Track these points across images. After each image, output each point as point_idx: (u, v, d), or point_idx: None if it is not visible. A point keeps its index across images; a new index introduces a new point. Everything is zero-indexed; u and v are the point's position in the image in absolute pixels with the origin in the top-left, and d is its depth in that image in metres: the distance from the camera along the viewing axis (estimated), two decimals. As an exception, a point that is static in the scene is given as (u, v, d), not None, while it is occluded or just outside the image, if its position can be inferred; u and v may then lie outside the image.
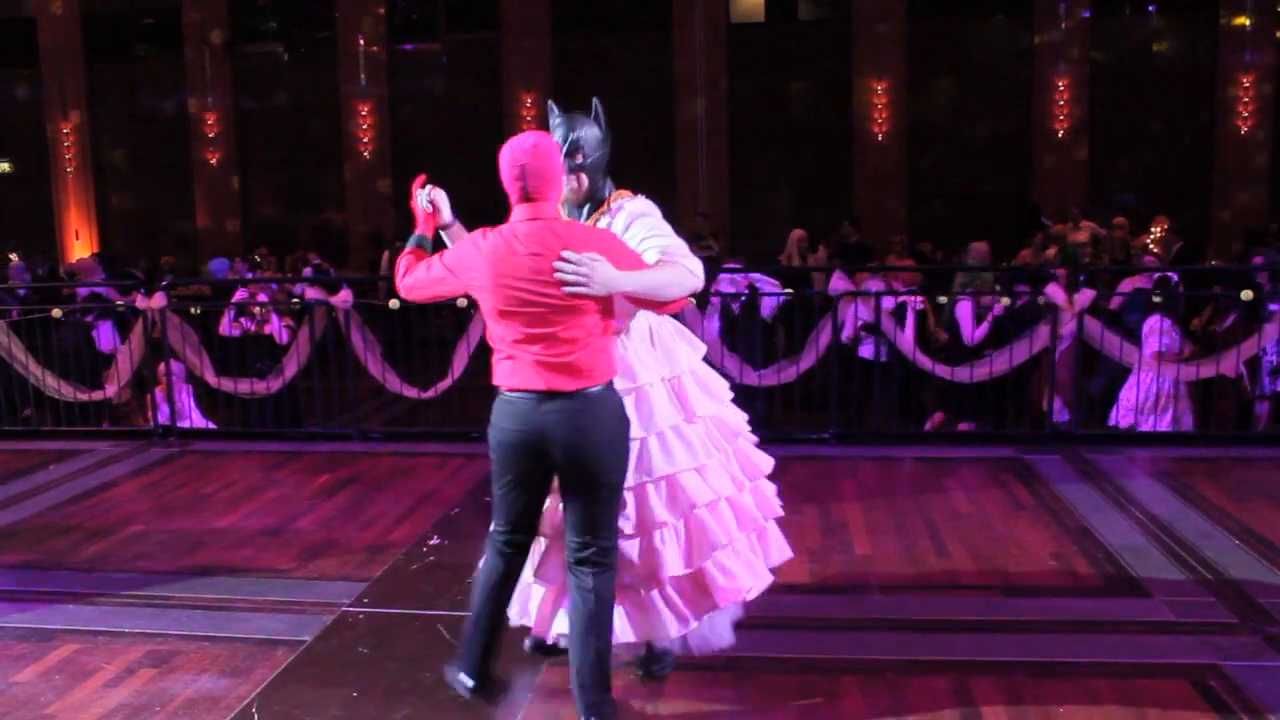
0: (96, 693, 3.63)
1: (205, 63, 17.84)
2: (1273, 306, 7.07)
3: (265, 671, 3.74)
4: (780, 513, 3.74)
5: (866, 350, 7.70)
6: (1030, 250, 12.14)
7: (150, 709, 3.51)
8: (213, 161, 18.23)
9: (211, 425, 8.22)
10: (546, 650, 3.70)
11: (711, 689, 3.55)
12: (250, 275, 12.02)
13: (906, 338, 7.49)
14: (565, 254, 2.97)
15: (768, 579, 3.58)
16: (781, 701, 3.46)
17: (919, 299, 7.93)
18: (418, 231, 3.41)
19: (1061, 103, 15.73)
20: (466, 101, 17.16)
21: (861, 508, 5.55)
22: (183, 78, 18.05)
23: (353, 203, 17.76)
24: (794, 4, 16.88)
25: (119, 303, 8.21)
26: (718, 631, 3.56)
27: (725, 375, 7.29)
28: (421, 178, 3.48)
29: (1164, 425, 7.16)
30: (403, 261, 3.36)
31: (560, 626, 3.55)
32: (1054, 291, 6.87)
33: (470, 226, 3.37)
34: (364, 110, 17.53)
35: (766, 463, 3.73)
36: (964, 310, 7.54)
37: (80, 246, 18.24)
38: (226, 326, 8.62)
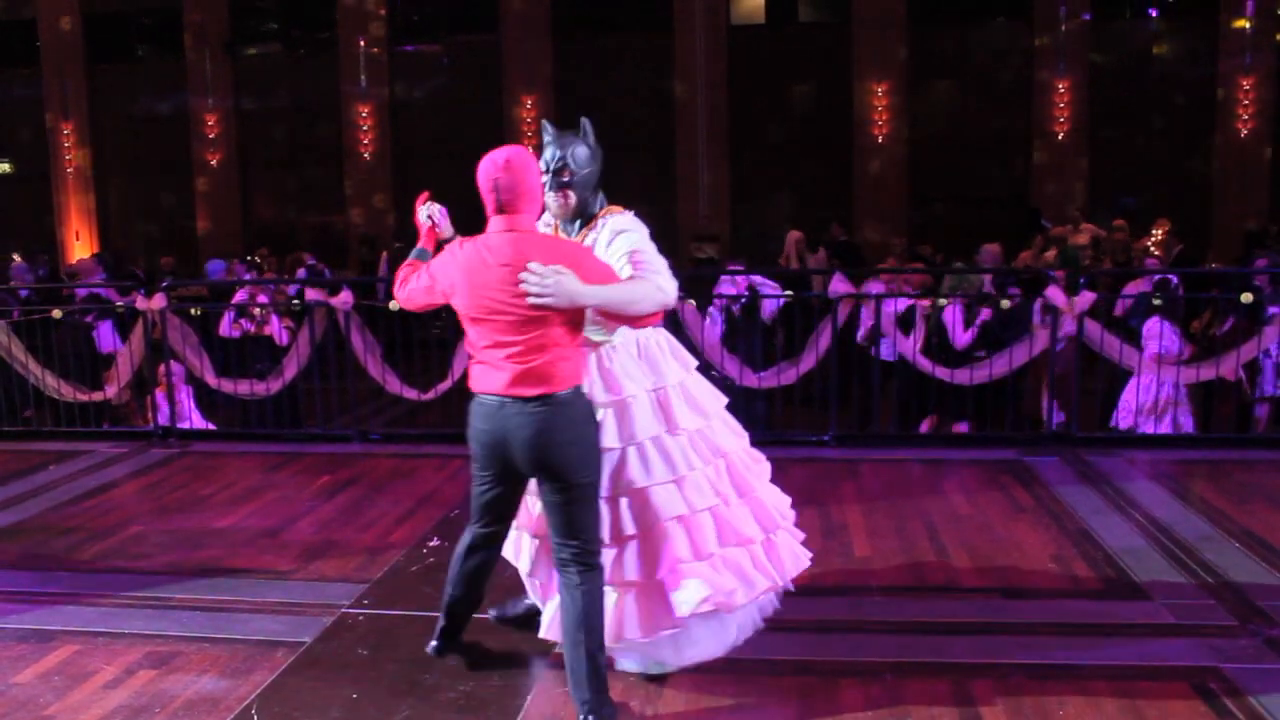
0: (96, 694, 3.64)
1: (206, 63, 17.84)
2: (1273, 309, 7.08)
3: (265, 673, 3.74)
4: (784, 525, 3.72)
5: (884, 351, 7.67)
6: (1030, 252, 12.15)
7: (150, 710, 3.51)
8: (213, 162, 18.23)
9: (211, 426, 8.23)
10: (509, 621, 3.96)
11: (711, 690, 3.55)
12: (247, 277, 12.01)
13: (907, 340, 7.48)
14: (531, 266, 3.06)
15: (760, 587, 3.52)
16: (781, 703, 3.46)
17: (927, 302, 7.90)
18: (419, 245, 3.56)
19: (1061, 105, 15.73)
20: (467, 103, 17.15)
21: (861, 510, 5.55)
22: (183, 78, 18.04)
23: (353, 204, 17.77)
24: (794, 6, 16.87)
25: (119, 304, 8.21)
26: (694, 643, 3.53)
27: (725, 377, 7.39)
28: (425, 195, 3.60)
29: (1164, 428, 7.16)
30: (402, 273, 3.52)
31: (551, 625, 3.62)
32: (1054, 294, 6.87)
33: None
34: (364, 111, 17.53)
35: (763, 476, 3.73)
36: (952, 314, 7.54)
37: (80, 247, 18.24)
38: (226, 327, 8.63)
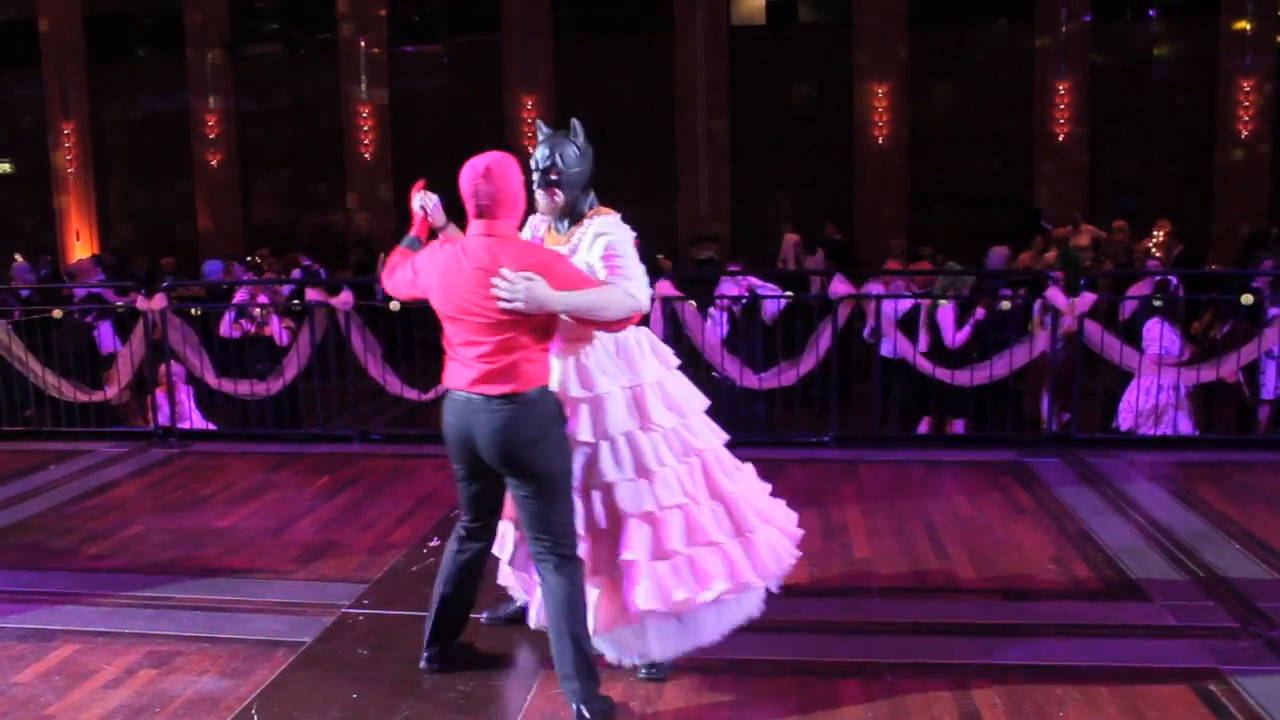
0: (96, 693, 3.64)
1: (206, 64, 17.85)
2: (1274, 311, 7.08)
3: (265, 673, 3.74)
4: (765, 524, 3.69)
5: (884, 349, 7.67)
6: (1030, 253, 12.15)
7: (150, 710, 3.51)
8: (214, 162, 18.23)
9: (212, 426, 8.22)
10: (499, 621, 4.03)
11: (711, 691, 3.55)
12: (245, 278, 12.02)
13: (907, 341, 7.48)
14: (503, 271, 3.16)
15: (726, 589, 3.51)
16: (781, 703, 3.46)
17: (928, 302, 7.89)
18: (411, 233, 3.63)
19: (1062, 106, 15.73)
20: (467, 103, 17.16)
21: (861, 510, 5.55)
22: (184, 79, 18.05)
23: (354, 204, 17.77)
24: (795, 7, 16.88)
25: (119, 304, 8.21)
26: (657, 639, 3.56)
27: (725, 378, 7.39)
28: (420, 182, 3.67)
29: (1164, 429, 7.16)
30: (391, 260, 3.60)
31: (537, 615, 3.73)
32: (1054, 295, 6.87)
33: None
34: (365, 112, 17.53)
35: (741, 476, 3.72)
36: (945, 314, 7.54)
37: (81, 247, 18.25)
38: (227, 328, 8.63)
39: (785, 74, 16.80)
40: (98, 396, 8.07)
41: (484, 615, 4.05)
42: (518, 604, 3.98)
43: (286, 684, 3.66)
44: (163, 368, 7.78)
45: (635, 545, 3.46)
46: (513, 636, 3.94)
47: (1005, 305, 7.33)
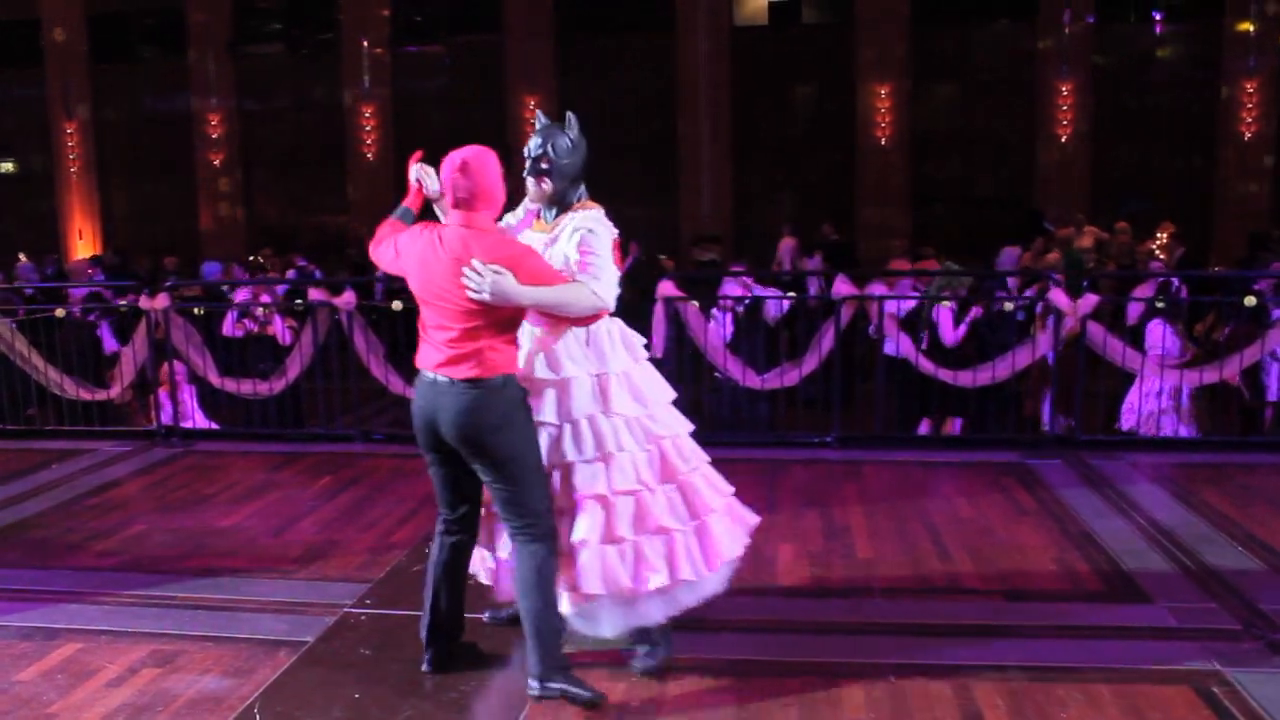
0: (99, 692, 3.64)
1: (209, 64, 17.86)
2: (1277, 313, 7.08)
3: (268, 672, 3.75)
4: (719, 509, 3.75)
5: (887, 348, 7.67)
6: (1030, 254, 12.14)
7: (153, 709, 3.51)
8: (216, 162, 18.25)
9: (214, 426, 8.23)
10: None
11: (714, 690, 3.55)
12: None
13: (909, 341, 7.48)
14: (473, 262, 3.26)
15: (676, 577, 3.57)
16: (784, 704, 3.46)
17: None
18: (404, 204, 3.72)
19: (1065, 108, 15.73)
20: (469, 103, 17.16)
21: (863, 511, 5.55)
22: (186, 78, 18.07)
23: (355, 204, 17.78)
24: (797, 8, 16.88)
25: (121, 304, 8.22)
26: (606, 618, 3.63)
27: (728, 378, 7.39)
28: (418, 153, 3.76)
29: (1166, 431, 7.16)
30: (381, 230, 3.67)
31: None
32: (1057, 296, 6.87)
33: None
34: (367, 112, 17.54)
35: (702, 467, 3.78)
36: (941, 313, 7.54)
37: (84, 246, 18.27)
38: (229, 327, 8.64)
39: (787, 74, 16.80)
40: (100, 395, 8.08)
41: (486, 615, 4.06)
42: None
43: (289, 683, 3.67)
44: (165, 367, 7.79)
45: (587, 527, 3.55)
46: (515, 637, 3.93)
47: (1008, 306, 7.32)
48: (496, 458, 3.38)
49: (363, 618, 4.23)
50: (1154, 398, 7.17)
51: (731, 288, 8.27)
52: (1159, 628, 4.04)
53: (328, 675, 3.72)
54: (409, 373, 7.71)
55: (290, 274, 12.51)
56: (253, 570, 4.82)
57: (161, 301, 7.67)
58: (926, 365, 7.33)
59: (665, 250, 13.19)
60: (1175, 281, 7.95)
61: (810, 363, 7.29)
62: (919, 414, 7.68)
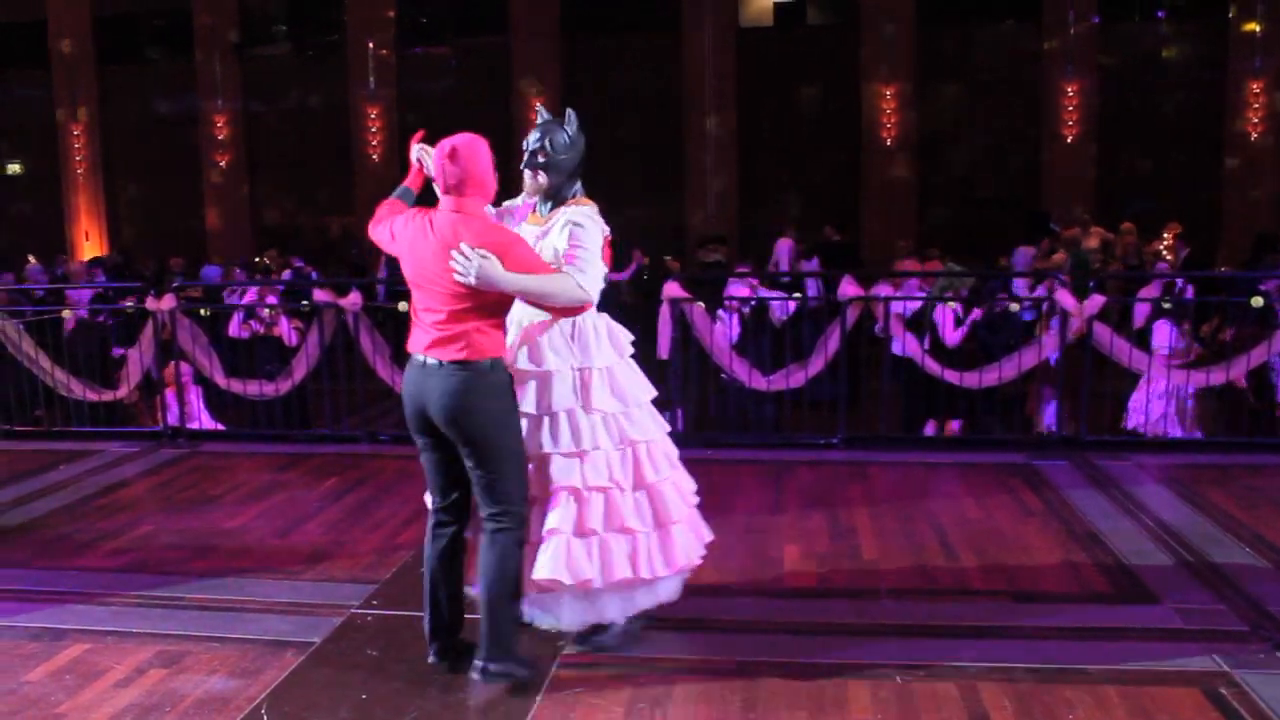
0: (107, 693, 3.65)
1: (215, 65, 17.89)
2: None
3: (275, 673, 3.75)
4: (681, 519, 3.81)
5: (895, 348, 7.67)
6: (1036, 255, 12.12)
7: (160, 709, 3.52)
8: (222, 163, 18.27)
9: (221, 427, 8.24)
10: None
11: (720, 691, 3.55)
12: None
13: (915, 341, 7.47)
14: (462, 246, 3.33)
15: (633, 576, 3.66)
16: (790, 704, 3.46)
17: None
18: (405, 184, 3.79)
19: (1070, 108, 15.69)
20: (475, 104, 17.16)
21: (869, 512, 5.55)
22: (193, 80, 18.10)
23: (362, 205, 17.78)
24: (802, 9, 16.87)
25: (128, 304, 8.24)
26: (566, 609, 3.74)
27: (734, 379, 7.39)
28: (419, 134, 3.83)
29: (1173, 432, 7.15)
30: (380, 210, 3.74)
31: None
32: (1063, 297, 6.86)
33: None
34: (373, 113, 17.56)
35: (672, 474, 3.83)
36: (943, 313, 7.53)
37: (90, 247, 18.31)
38: (236, 328, 8.65)
39: (793, 75, 16.79)
40: (108, 396, 8.09)
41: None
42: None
43: (296, 684, 3.67)
44: (172, 368, 7.80)
45: (559, 518, 3.61)
46: (522, 638, 3.93)
47: (1013, 307, 7.32)
48: (480, 440, 3.44)
49: (369, 618, 4.24)
50: (1160, 401, 7.17)
51: (738, 289, 8.27)
52: (1166, 629, 4.03)
53: (335, 676, 3.73)
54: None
55: (286, 275, 12.55)
56: (259, 571, 4.83)
57: (168, 303, 7.69)
58: (933, 366, 7.32)
59: (670, 251, 13.18)
60: (1180, 282, 7.94)
61: (816, 364, 7.29)
62: (925, 415, 7.68)
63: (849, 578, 4.64)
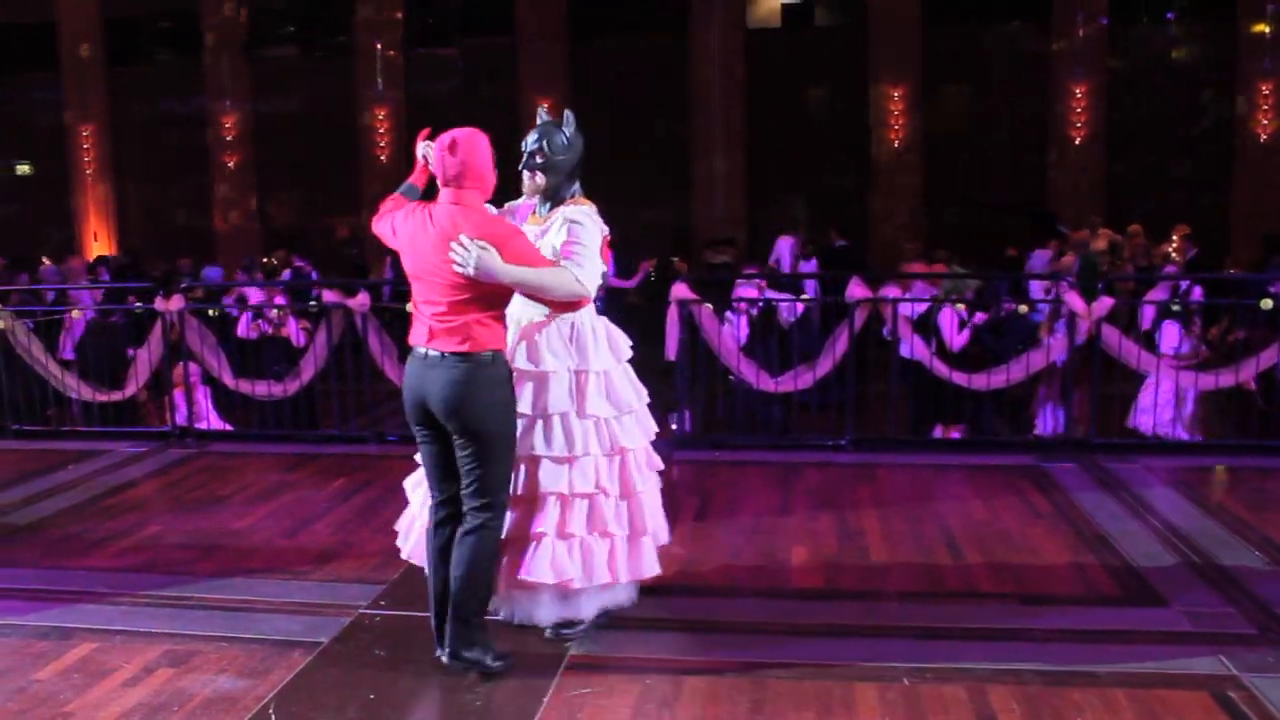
0: (115, 691, 3.66)
1: (223, 67, 17.93)
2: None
3: (283, 673, 3.76)
4: (658, 535, 3.97)
5: (903, 350, 7.65)
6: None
7: (168, 708, 3.53)
8: (230, 164, 18.31)
9: (229, 427, 8.26)
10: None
11: (728, 693, 3.55)
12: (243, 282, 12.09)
13: (922, 343, 7.46)
14: (461, 238, 3.36)
15: (605, 580, 3.78)
16: (798, 706, 3.46)
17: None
18: (410, 180, 3.82)
19: (1079, 109, 15.66)
20: (482, 105, 17.17)
21: (877, 514, 5.54)
22: (201, 81, 18.15)
23: (369, 206, 17.80)
24: (810, 10, 16.86)
25: (137, 305, 8.26)
26: (539, 612, 3.86)
27: (742, 381, 7.38)
28: (425, 131, 3.86)
29: (1181, 434, 7.13)
30: (384, 206, 3.77)
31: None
32: (1072, 300, 6.84)
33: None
34: (380, 114, 17.59)
35: (652, 480, 3.96)
36: (946, 317, 7.52)
37: (99, 248, 18.36)
38: (244, 329, 8.67)
39: (801, 76, 16.78)
40: (116, 396, 8.11)
41: (500, 615, 4.05)
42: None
43: (304, 684, 3.68)
44: (180, 368, 7.82)
45: (547, 521, 3.69)
46: (529, 639, 3.94)
47: (1022, 309, 7.30)
48: (475, 430, 3.47)
49: (377, 619, 4.24)
50: (1170, 406, 7.16)
51: (746, 290, 8.27)
52: (1175, 632, 4.02)
53: (343, 676, 3.73)
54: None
55: (286, 274, 12.58)
56: (267, 571, 4.84)
57: (176, 303, 7.70)
58: (941, 368, 7.31)
59: (678, 252, 13.18)
60: (1185, 284, 7.92)
61: (824, 366, 7.29)
62: (934, 418, 7.66)
63: (857, 579, 4.63)
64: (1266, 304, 6.79)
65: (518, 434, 3.64)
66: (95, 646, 4.03)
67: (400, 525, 4.14)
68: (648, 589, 4.14)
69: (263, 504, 5.96)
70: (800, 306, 8.38)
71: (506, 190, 3.81)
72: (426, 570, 3.76)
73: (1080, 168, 15.77)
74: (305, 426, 7.95)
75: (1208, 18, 15.60)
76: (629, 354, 3.93)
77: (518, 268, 3.42)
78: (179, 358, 7.83)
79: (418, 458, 3.85)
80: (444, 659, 3.67)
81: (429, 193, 3.77)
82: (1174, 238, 12.48)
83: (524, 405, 3.69)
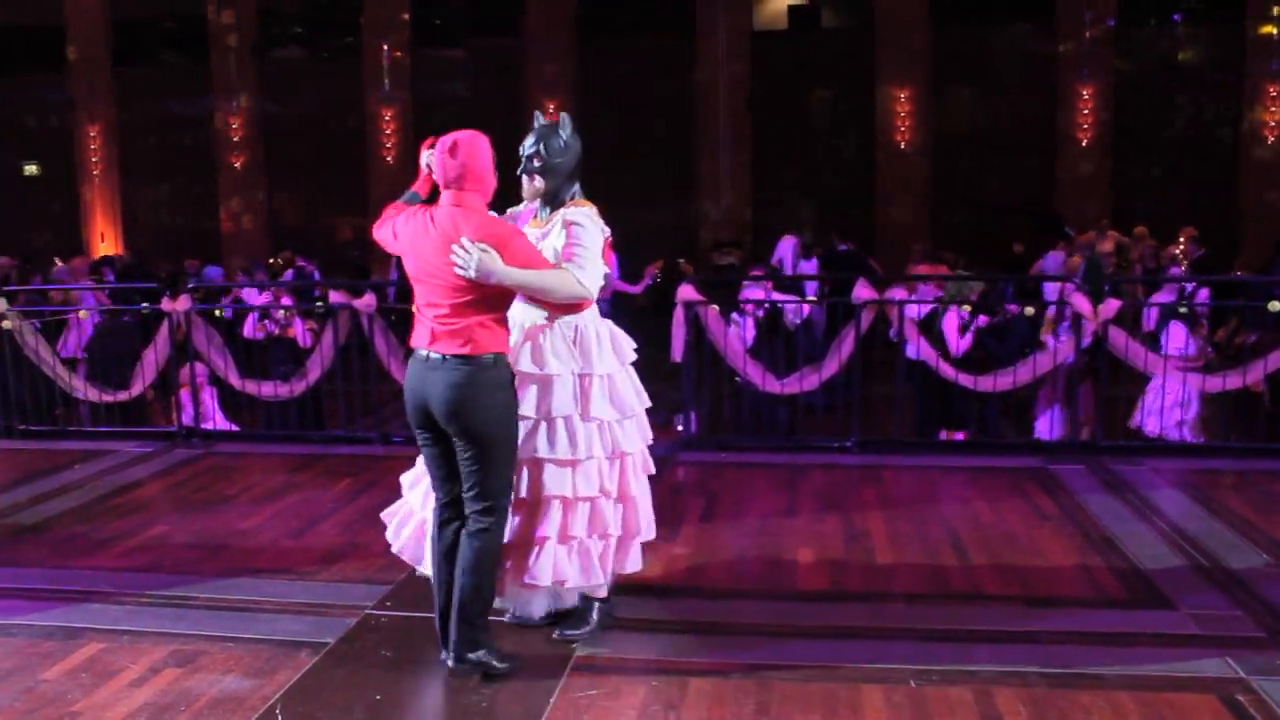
0: (121, 692, 3.66)
1: (230, 67, 17.98)
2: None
3: (289, 673, 3.76)
4: (645, 535, 4.01)
5: (909, 351, 7.64)
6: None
7: (175, 708, 3.53)
8: (237, 165, 18.36)
9: (235, 427, 8.27)
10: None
11: (734, 695, 3.54)
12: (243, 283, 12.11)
13: (928, 345, 7.45)
14: (462, 240, 3.36)
15: (597, 579, 3.86)
16: (804, 708, 3.45)
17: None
18: (413, 188, 3.81)
19: (1086, 111, 15.64)
20: (489, 107, 17.20)
21: (883, 516, 5.53)
22: (208, 82, 18.19)
23: (375, 207, 17.83)
24: (817, 12, 16.86)
25: (144, 306, 8.27)
26: (534, 607, 3.97)
27: (747, 383, 7.38)
28: (430, 140, 3.83)
29: (1187, 436, 7.12)
30: (386, 212, 3.76)
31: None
32: (1079, 301, 6.83)
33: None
34: (388, 115, 17.62)
35: (645, 486, 4.00)
36: (948, 321, 7.51)
37: (105, 248, 18.40)
38: (250, 329, 8.68)
39: (807, 78, 16.78)
40: (122, 396, 8.13)
41: (507, 615, 4.07)
42: (542, 602, 4.05)
43: (310, 684, 3.68)
44: (186, 368, 7.83)
45: (550, 524, 3.73)
46: (535, 638, 3.95)
47: (1029, 311, 7.29)
48: (477, 433, 3.47)
49: (383, 619, 4.24)
50: (1177, 409, 7.14)
51: (752, 292, 8.26)
52: (1181, 634, 4.01)
53: (349, 676, 3.73)
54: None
55: (288, 274, 12.60)
56: (273, 571, 4.85)
57: (183, 303, 7.72)
58: (947, 370, 7.30)
59: (684, 254, 13.19)
60: (1189, 286, 7.91)
61: (830, 367, 7.28)
62: (940, 420, 7.65)
63: (863, 581, 4.63)
64: (1275, 306, 6.77)
65: (521, 437, 3.64)
66: (102, 646, 4.03)
67: (390, 520, 4.14)
68: (653, 590, 4.13)
69: (269, 504, 5.96)
70: (806, 308, 8.37)
71: (510, 193, 3.81)
72: (429, 571, 3.76)
73: (1086, 169, 15.75)
74: (311, 427, 7.96)
75: (1215, 19, 15.58)
76: (633, 357, 3.95)
77: (519, 270, 3.42)
78: (185, 358, 7.84)
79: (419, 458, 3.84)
80: (449, 663, 3.67)
81: (432, 201, 3.77)
82: (1181, 239, 12.45)
83: (528, 408, 3.69)
